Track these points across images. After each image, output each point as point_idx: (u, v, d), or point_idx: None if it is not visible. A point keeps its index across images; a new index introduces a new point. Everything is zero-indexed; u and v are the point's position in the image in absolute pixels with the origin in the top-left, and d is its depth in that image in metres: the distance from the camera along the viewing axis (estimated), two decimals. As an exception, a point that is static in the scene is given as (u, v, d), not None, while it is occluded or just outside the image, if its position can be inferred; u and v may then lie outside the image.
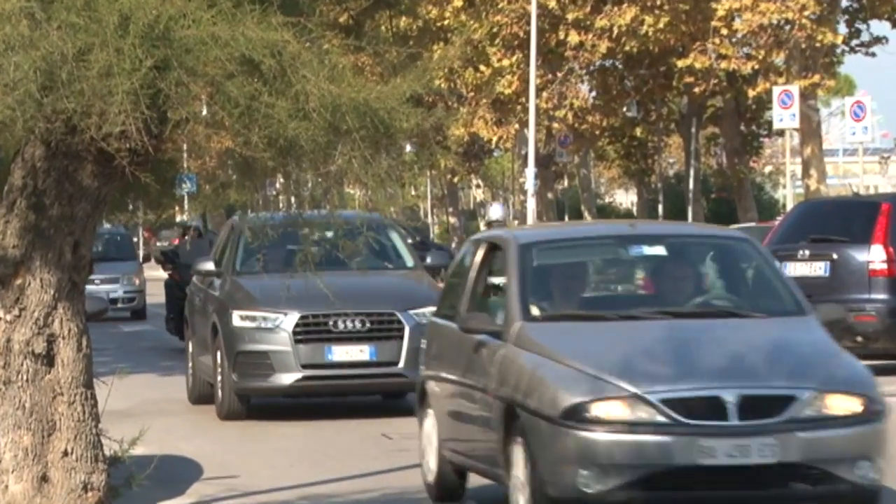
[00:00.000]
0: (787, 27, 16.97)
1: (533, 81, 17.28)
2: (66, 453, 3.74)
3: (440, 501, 4.92)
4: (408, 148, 3.97)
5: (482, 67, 18.27)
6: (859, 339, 8.27)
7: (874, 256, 8.60)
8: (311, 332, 7.12)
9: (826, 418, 4.03)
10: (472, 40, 16.85)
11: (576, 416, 4.02)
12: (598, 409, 4.02)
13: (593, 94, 19.42)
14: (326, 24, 3.66)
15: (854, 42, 18.39)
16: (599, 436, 3.99)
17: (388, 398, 7.74)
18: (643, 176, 24.53)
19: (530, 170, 18.14)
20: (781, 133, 18.28)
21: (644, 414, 3.99)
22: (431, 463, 4.93)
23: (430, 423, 4.95)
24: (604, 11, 17.35)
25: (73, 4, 3.36)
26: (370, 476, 5.56)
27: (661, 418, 3.98)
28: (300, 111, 3.41)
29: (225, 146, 3.70)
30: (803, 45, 17.00)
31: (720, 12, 17.06)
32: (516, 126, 19.53)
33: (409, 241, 8.62)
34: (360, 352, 7.12)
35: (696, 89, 17.89)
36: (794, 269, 8.41)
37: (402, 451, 6.07)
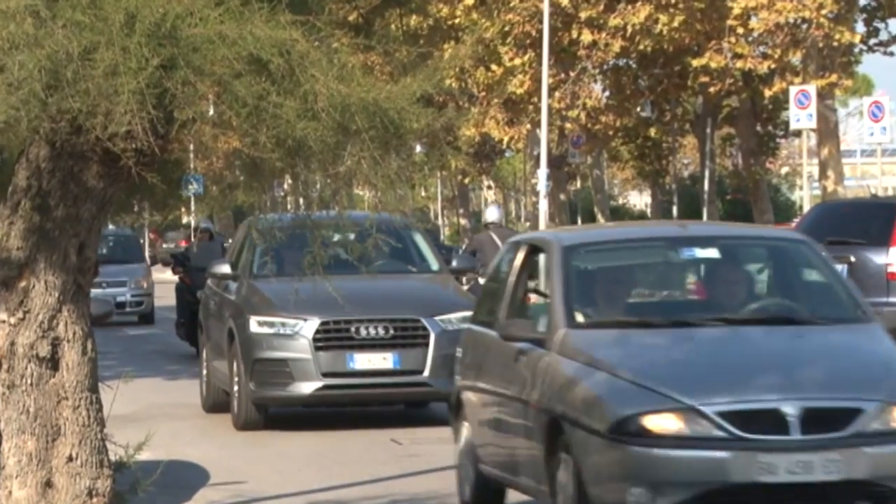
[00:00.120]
0: (804, 26, 16.83)
1: (545, 81, 17.18)
2: (70, 458, 3.70)
3: (478, 519, 4.71)
4: (418, 148, 3.90)
5: (494, 67, 18.19)
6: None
7: (893, 259, 8.48)
8: (332, 338, 6.88)
9: (894, 432, 3.80)
10: (484, 39, 16.76)
11: (626, 429, 3.80)
12: (651, 423, 3.79)
13: (607, 93, 19.31)
14: (336, 23, 3.61)
15: (872, 41, 18.25)
16: (652, 451, 3.76)
17: (411, 407, 7.54)
18: (657, 177, 24.42)
19: (542, 171, 18.07)
20: (798, 134, 18.09)
21: (700, 428, 3.77)
22: (468, 478, 4.71)
23: (467, 436, 4.73)
24: (617, 10, 17.24)
25: (78, 3, 3.32)
26: (379, 482, 5.50)
27: (717, 432, 3.76)
28: (309, 111, 3.36)
29: (232, 146, 3.65)
30: (820, 44, 16.85)
31: (736, 11, 16.93)
32: (528, 126, 19.46)
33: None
34: (383, 360, 6.87)
35: (712, 89, 17.75)
36: (811, 272, 8.38)
37: (412, 457, 6.03)
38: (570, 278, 4.32)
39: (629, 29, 17.12)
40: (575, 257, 4.41)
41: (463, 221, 28.64)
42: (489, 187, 35.06)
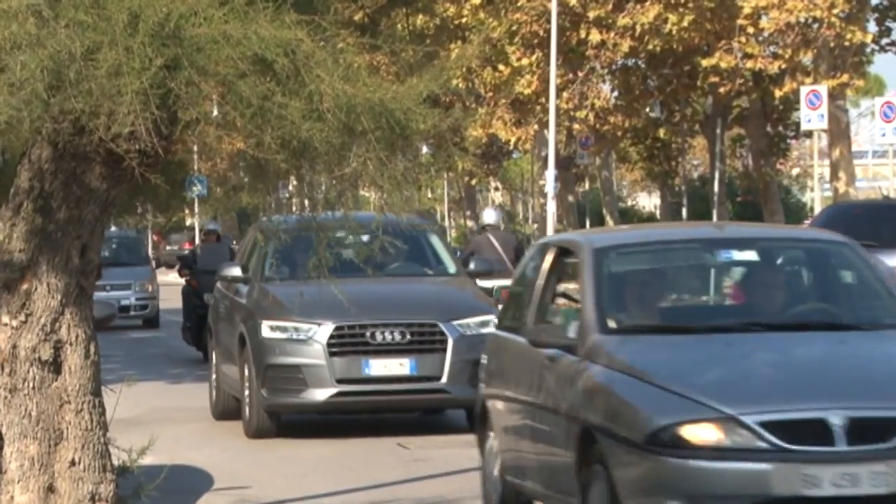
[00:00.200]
0: (815, 25, 16.73)
1: (553, 81, 17.11)
2: (73, 463, 3.67)
3: (504, 532, 4.52)
4: (424, 149, 3.85)
5: (501, 67, 18.10)
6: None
7: (905, 261, 8.38)
8: (347, 343, 6.64)
9: None
10: (491, 39, 16.62)
11: (663, 440, 3.61)
12: (689, 433, 3.58)
13: (615, 94, 19.21)
14: (341, 23, 3.56)
15: (884, 41, 18.16)
16: (689, 463, 3.56)
17: (427, 415, 7.31)
18: (666, 178, 24.31)
19: (550, 172, 17.98)
20: (809, 134, 18.01)
21: (740, 439, 3.57)
22: (495, 491, 4.55)
23: (493, 446, 4.57)
24: (626, 9, 17.17)
25: (81, 2, 3.29)
26: (385, 487, 5.46)
27: (759, 443, 3.56)
28: (314, 112, 3.33)
29: (237, 147, 3.61)
30: (832, 44, 16.75)
31: (746, 10, 16.84)
32: (536, 127, 19.40)
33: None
34: (399, 365, 6.63)
35: (722, 89, 17.65)
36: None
37: (418, 462, 5.97)
38: (602, 282, 4.12)
39: (638, 28, 17.05)
40: (607, 260, 4.21)
41: (470, 223, 28.54)
42: (496, 189, 34.99)
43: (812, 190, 22.92)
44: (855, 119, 28.67)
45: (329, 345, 6.67)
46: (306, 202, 3.84)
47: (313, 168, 3.57)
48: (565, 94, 18.02)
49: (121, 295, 13.78)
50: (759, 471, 3.58)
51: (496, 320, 6.01)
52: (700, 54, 17.67)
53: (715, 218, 19.50)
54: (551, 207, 17.98)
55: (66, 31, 3.26)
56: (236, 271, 7.32)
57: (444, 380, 6.68)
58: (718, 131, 20.18)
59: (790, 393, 3.71)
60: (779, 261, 4.36)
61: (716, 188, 20.13)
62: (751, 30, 16.98)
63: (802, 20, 16.65)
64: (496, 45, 17.41)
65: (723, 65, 17.07)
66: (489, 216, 9.77)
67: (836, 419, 3.63)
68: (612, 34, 17.36)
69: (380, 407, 6.92)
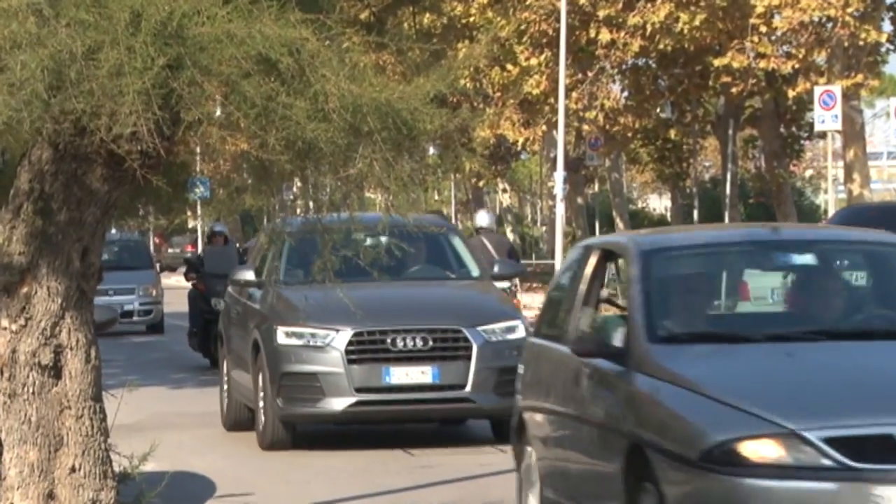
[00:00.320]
0: (829, 25, 16.60)
1: (562, 81, 16.94)
2: (73, 469, 3.62)
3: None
4: (431, 150, 3.77)
5: (509, 66, 18.02)
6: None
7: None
8: (367, 350, 6.25)
9: None
10: (499, 38, 16.55)
11: (719, 457, 3.33)
12: (747, 450, 3.31)
13: (625, 94, 19.12)
14: (347, 21, 3.51)
15: (899, 41, 18.03)
16: (748, 482, 3.28)
17: (448, 424, 6.89)
18: (677, 180, 24.19)
19: (559, 173, 17.83)
20: (823, 135, 17.86)
21: (803, 456, 3.30)
22: None
23: (531, 461, 4.28)
24: (637, 8, 17.07)
25: (82, 1, 3.24)
26: (391, 493, 5.36)
27: (824, 461, 3.30)
28: (319, 112, 3.27)
29: (240, 148, 3.55)
30: (846, 44, 16.62)
31: (759, 9, 16.72)
32: (544, 128, 19.32)
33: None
34: (421, 373, 6.24)
35: (734, 89, 17.53)
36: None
37: (425, 468, 5.87)
38: (651, 287, 3.81)
39: (649, 28, 16.94)
40: (656, 263, 3.91)
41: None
42: (504, 190, 34.93)
43: (826, 192, 22.77)
44: (869, 120, 28.42)
45: (347, 352, 6.31)
46: (311, 204, 3.78)
47: (318, 169, 3.53)
48: (574, 95, 17.92)
49: (124, 300, 13.44)
50: (823, 491, 3.33)
51: (522, 326, 5.80)
52: (712, 54, 17.56)
53: (726, 220, 19.34)
54: (560, 209, 17.86)
55: (67, 31, 3.22)
56: (250, 275, 6.96)
57: (468, 388, 6.32)
58: (730, 132, 20.06)
59: (856, 407, 3.45)
60: (837, 264, 4.11)
61: (728, 190, 20.01)
62: (764, 29, 16.84)
63: (816, 19, 16.51)
64: (504, 44, 17.31)
65: (735, 64, 16.95)
66: (482, 219, 9.62)
67: None
68: (622, 33, 17.25)
69: (400, 417, 6.52)
